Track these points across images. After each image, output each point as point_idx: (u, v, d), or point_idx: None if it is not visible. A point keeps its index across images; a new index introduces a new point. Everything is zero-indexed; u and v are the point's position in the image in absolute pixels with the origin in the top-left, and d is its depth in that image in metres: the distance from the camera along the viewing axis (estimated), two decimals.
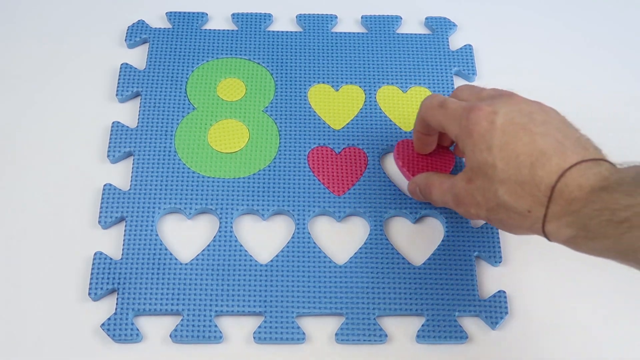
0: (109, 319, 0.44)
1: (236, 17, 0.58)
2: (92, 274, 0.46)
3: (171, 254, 0.47)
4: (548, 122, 0.39)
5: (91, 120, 0.53)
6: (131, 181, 0.49)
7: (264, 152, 0.51)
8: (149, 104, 0.53)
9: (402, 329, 0.45)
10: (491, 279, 0.48)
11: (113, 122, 0.52)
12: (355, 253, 0.47)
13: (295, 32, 0.58)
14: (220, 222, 0.48)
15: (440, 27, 0.58)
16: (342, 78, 0.55)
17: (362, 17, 0.59)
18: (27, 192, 0.49)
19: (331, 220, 0.50)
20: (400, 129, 0.53)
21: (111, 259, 0.46)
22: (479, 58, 0.58)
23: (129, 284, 0.45)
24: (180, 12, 0.58)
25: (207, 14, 0.58)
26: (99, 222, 0.48)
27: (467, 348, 0.45)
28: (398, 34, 0.58)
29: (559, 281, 0.48)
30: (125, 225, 0.48)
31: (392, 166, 0.52)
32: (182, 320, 0.44)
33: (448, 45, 0.57)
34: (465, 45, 0.58)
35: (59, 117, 0.53)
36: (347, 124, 0.53)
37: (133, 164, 0.50)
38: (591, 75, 0.58)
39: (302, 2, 0.60)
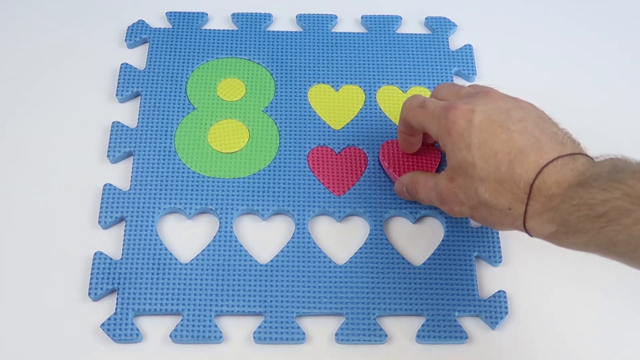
0: (109, 319, 0.44)
1: (236, 17, 0.58)
2: (92, 274, 0.46)
3: (171, 254, 0.47)
4: (525, 118, 0.39)
5: (91, 120, 0.53)
6: (131, 181, 0.49)
7: (264, 152, 0.51)
8: (149, 104, 0.53)
9: (402, 329, 0.45)
10: (491, 279, 0.48)
11: (113, 122, 0.52)
12: (355, 253, 0.47)
13: (295, 32, 0.58)
14: (220, 222, 0.48)
15: (440, 27, 0.58)
16: (342, 78, 0.55)
17: (362, 17, 0.59)
18: (27, 192, 0.49)
19: (331, 220, 0.50)
20: None
21: (111, 259, 0.46)
22: (479, 58, 0.58)
23: (129, 284, 0.45)
24: (180, 12, 0.58)
25: (207, 14, 0.58)
26: (99, 222, 0.48)
27: (467, 348, 0.45)
28: (398, 34, 0.58)
29: (559, 281, 0.48)
30: (125, 225, 0.48)
31: None
32: (182, 320, 0.44)
33: (448, 45, 0.57)
34: (465, 45, 0.58)
35: (59, 117, 0.53)
36: (347, 124, 0.53)
37: (133, 164, 0.50)
38: (591, 75, 0.58)
39: (302, 2, 0.60)
